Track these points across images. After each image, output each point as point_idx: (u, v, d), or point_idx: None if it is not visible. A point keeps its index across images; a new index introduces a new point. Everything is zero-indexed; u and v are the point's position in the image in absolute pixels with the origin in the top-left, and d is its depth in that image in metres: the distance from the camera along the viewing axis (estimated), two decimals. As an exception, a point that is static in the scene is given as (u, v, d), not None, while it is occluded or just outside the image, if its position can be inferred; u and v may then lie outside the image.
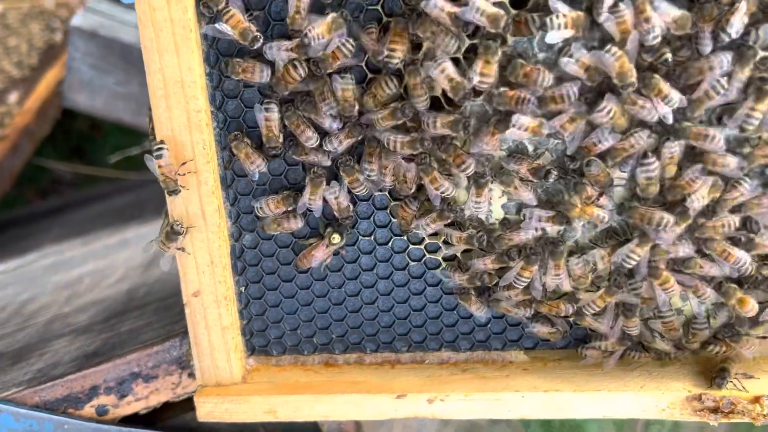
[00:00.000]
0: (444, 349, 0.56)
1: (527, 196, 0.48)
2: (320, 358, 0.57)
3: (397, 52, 0.44)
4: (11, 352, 0.76)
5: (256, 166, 0.50)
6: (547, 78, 0.44)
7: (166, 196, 0.50)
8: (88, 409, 0.62)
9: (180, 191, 0.48)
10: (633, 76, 0.43)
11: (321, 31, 0.44)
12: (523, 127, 0.45)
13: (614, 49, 0.43)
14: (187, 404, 0.64)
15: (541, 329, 0.53)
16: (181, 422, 0.65)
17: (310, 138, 0.48)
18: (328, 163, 0.49)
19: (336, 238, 0.51)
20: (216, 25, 0.46)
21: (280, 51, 0.46)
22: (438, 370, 0.55)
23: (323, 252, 0.51)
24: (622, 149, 0.45)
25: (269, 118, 0.48)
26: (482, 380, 0.53)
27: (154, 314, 0.72)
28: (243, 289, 0.54)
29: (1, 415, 0.60)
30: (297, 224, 0.52)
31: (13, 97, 1.64)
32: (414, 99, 0.45)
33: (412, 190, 0.49)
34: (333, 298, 0.55)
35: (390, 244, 0.53)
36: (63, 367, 0.65)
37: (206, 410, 0.55)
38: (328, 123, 0.48)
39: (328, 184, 0.50)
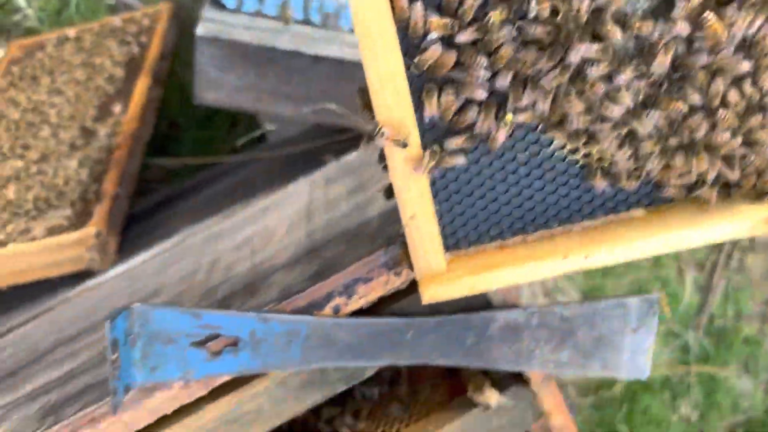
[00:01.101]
0: (586, 219, 0.78)
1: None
2: (496, 244, 0.79)
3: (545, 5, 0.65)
4: (238, 291, 1.00)
5: (431, 113, 0.72)
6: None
7: (393, 151, 0.71)
8: (327, 310, 0.86)
9: (408, 144, 0.70)
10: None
11: (495, 19, 0.65)
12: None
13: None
14: (393, 297, 0.88)
15: (669, 191, 0.75)
16: (389, 310, 0.88)
17: (481, 92, 0.70)
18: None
19: (509, 117, 0.70)
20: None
21: (464, 36, 0.67)
22: (584, 235, 0.77)
23: (502, 132, 0.71)
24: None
25: (448, 101, 0.69)
26: (617, 235, 0.76)
27: (346, 243, 0.94)
28: (438, 207, 0.77)
29: (271, 322, 0.84)
30: (461, 161, 0.74)
31: (117, 108, 1.86)
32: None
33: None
34: (501, 201, 0.77)
35: (540, 154, 0.75)
36: (298, 286, 0.88)
37: (428, 295, 0.78)
38: (480, 75, 0.69)
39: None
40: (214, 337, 0.84)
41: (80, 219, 1.59)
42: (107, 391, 0.88)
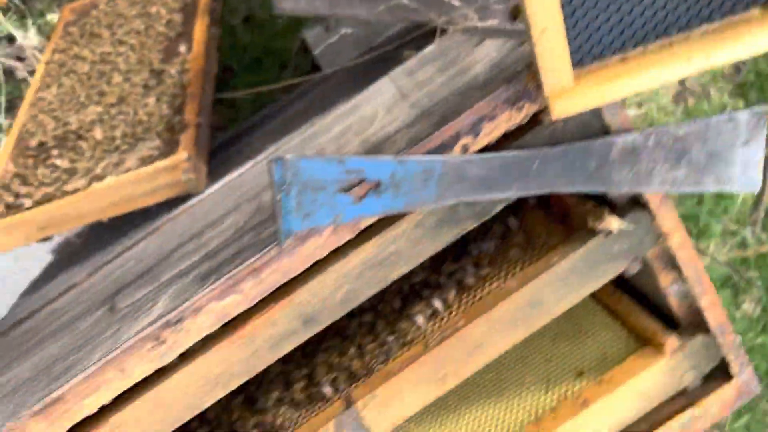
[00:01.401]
0: (704, 23, 0.83)
1: None
2: (618, 57, 0.85)
3: None
4: (364, 150, 1.05)
5: None
6: None
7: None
8: (457, 149, 0.92)
9: None
10: None
11: None
12: None
13: None
14: (513, 135, 0.94)
15: None
16: (514, 145, 0.94)
17: None
18: None
19: None
20: None
21: None
22: (703, 39, 0.82)
23: None
24: None
25: None
26: (736, 35, 0.81)
27: (459, 96, 1.00)
28: (565, 21, 0.82)
29: (408, 163, 0.91)
30: None
31: (182, 48, 1.93)
32: None
33: None
34: (623, 10, 0.82)
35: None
36: (424, 133, 0.95)
37: (558, 110, 0.84)
38: None
39: None
40: (359, 182, 0.91)
41: (169, 148, 1.67)
42: (261, 247, 0.95)
